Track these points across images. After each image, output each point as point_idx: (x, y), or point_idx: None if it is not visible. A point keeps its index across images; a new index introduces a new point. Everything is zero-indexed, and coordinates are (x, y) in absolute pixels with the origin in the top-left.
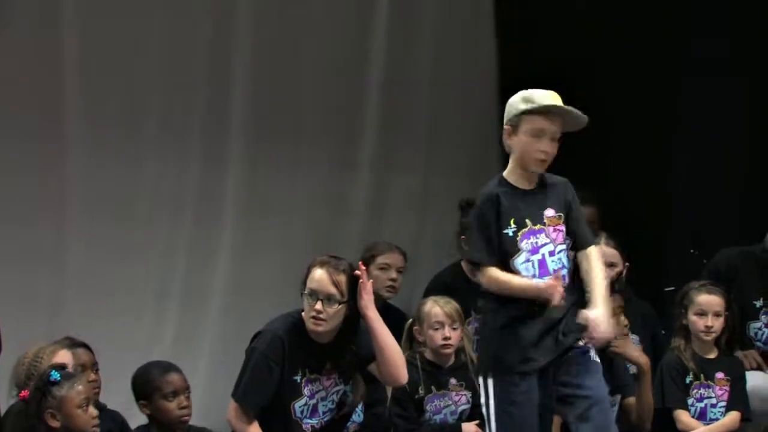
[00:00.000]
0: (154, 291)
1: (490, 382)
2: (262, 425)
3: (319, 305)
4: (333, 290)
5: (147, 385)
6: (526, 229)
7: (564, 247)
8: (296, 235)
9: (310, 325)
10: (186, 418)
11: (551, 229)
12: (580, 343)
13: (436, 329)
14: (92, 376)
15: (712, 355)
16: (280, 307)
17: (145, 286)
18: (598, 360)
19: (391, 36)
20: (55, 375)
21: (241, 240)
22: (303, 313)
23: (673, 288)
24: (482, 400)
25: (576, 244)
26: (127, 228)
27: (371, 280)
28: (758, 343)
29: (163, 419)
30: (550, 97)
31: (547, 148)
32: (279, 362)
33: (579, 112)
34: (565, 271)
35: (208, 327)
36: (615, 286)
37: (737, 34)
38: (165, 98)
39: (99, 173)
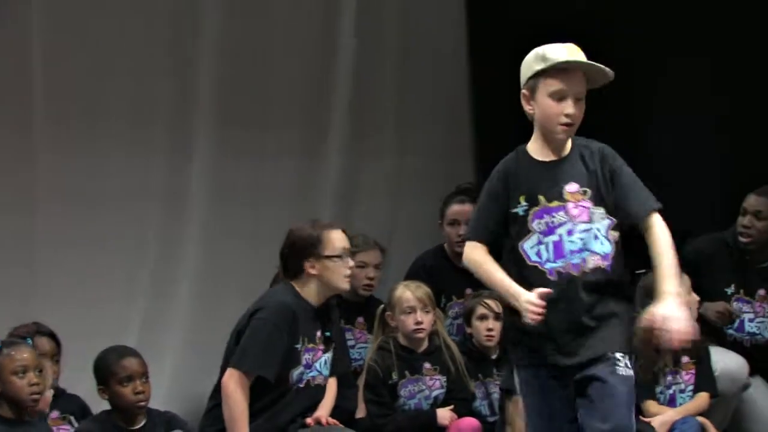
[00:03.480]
0: (123, 280)
1: (515, 372)
2: (254, 392)
3: (352, 261)
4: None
5: (104, 370)
6: (538, 208)
7: (590, 226)
8: (265, 223)
9: (344, 284)
10: (142, 403)
11: (572, 205)
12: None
13: (408, 314)
14: (51, 366)
15: None
16: (249, 295)
17: (113, 275)
18: (630, 372)
19: (359, 19)
20: None
21: (210, 228)
22: (308, 280)
23: (644, 270)
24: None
25: (632, 216)
26: (95, 218)
27: None
28: (731, 331)
29: (119, 404)
30: (566, 52)
31: (572, 110)
32: (288, 332)
33: (602, 66)
34: (586, 254)
35: (177, 315)
36: None
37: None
38: (131, 90)
39: (66, 165)
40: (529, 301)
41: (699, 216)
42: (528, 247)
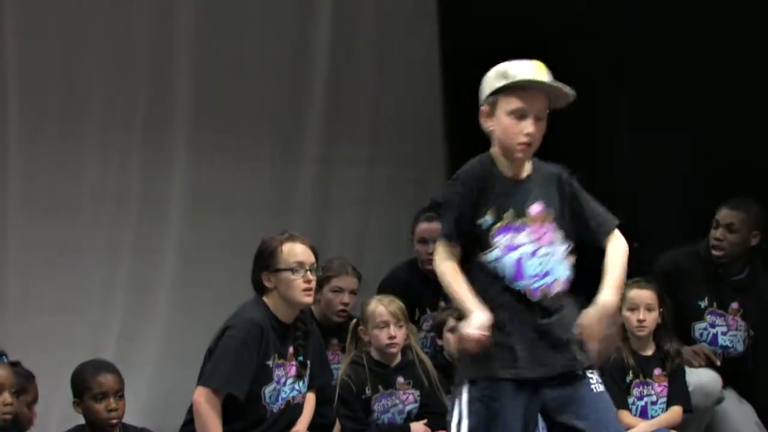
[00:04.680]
0: (99, 288)
1: (465, 389)
2: (228, 411)
3: (310, 275)
4: (313, 259)
5: (80, 384)
6: (503, 223)
7: (551, 250)
8: (241, 231)
9: (302, 298)
10: (114, 420)
11: (537, 226)
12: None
13: (381, 328)
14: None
15: (650, 352)
16: (227, 303)
17: (89, 283)
18: (603, 389)
19: (333, 29)
20: None
21: (187, 235)
22: (273, 295)
23: None
24: (454, 412)
25: (595, 237)
26: (69, 225)
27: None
28: (703, 344)
29: (92, 419)
30: (530, 69)
31: (531, 129)
32: (257, 349)
33: (564, 86)
34: (549, 279)
35: (154, 323)
36: None
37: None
38: (106, 94)
39: (40, 170)
40: (476, 326)
41: (661, 229)
42: (489, 259)
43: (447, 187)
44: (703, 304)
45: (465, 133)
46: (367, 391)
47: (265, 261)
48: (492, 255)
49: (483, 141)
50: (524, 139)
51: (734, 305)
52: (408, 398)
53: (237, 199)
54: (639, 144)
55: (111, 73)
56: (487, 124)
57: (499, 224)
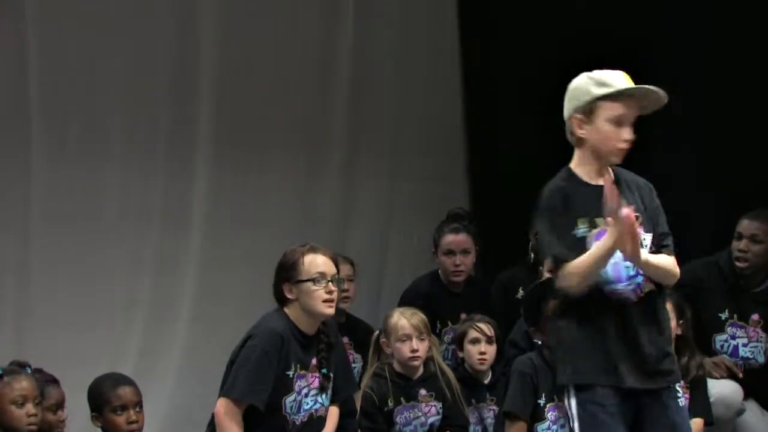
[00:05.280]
0: (121, 303)
1: (573, 395)
2: (249, 421)
3: (332, 286)
4: (335, 270)
5: (98, 397)
6: (597, 230)
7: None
8: (263, 244)
9: (323, 309)
10: None
11: None
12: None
13: (404, 341)
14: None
15: None
16: (248, 317)
17: (111, 298)
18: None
19: (355, 44)
20: None
21: (208, 250)
22: (294, 306)
23: None
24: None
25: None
26: (92, 240)
27: None
28: (723, 356)
29: None
30: (624, 79)
31: (630, 136)
32: (278, 358)
33: (662, 92)
34: (640, 279)
35: (175, 338)
36: None
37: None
38: (129, 110)
39: (64, 186)
40: (621, 216)
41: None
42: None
43: (539, 216)
44: (724, 315)
45: (486, 149)
46: (390, 404)
47: (287, 272)
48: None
49: (503, 155)
50: (623, 145)
51: (755, 317)
52: (430, 411)
53: (258, 213)
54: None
55: (133, 89)
56: (580, 132)
57: (594, 231)
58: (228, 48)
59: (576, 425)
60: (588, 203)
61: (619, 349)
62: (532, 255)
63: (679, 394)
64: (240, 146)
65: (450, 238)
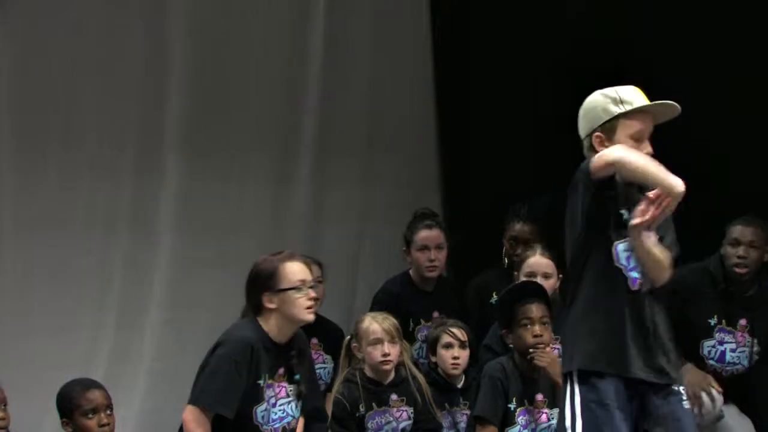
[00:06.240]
0: (91, 308)
1: (576, 388)
2: (219, 430)
3: (312, 292)
4: (311, 276)
5: (68, 402)
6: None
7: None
8: (234, 249)
9: (305, 315)
10: None
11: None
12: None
13: (375, 345)
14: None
15: None
16: (219, 322)
17: (81, 303)
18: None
19: (326, 47)
20: None
21: (178, 255)
22: (272, 315)
23: None
24: (567, 402)
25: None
26: (61, 244)
27: None
28: (711, 362)
29: None
30: (640, 95)
31: (649, 150)
32: (247, 368)
33: (675, 104)
34: (636, 275)
35: (145, 343)
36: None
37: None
38: (99, 114)
39: (32, 189)
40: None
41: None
42: (621, 249)
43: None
44: (713, 321)
45: (458, 153)
46: (361, 409)
47: (265, 282)
48: (626, 244)
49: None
50: None
51: (742, 322)
52: (402, 415)
53: (229, 218)
54: None
55: (102, 94)
56: (601, 149)
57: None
58: (197, 54)
59: (579, 422)
60: (630, 193)
61: (628, 339)
62: (506, 260)
63: (683, 397)
64: (209, 151)
65: (424, 234)
